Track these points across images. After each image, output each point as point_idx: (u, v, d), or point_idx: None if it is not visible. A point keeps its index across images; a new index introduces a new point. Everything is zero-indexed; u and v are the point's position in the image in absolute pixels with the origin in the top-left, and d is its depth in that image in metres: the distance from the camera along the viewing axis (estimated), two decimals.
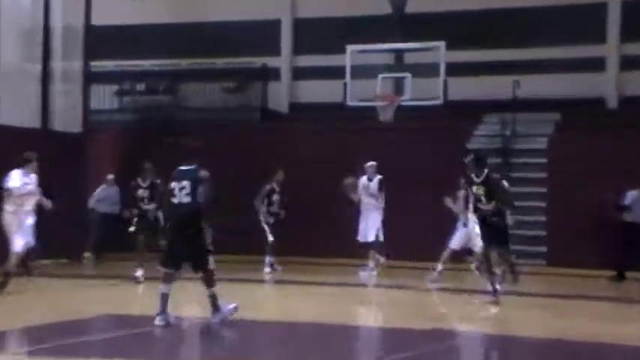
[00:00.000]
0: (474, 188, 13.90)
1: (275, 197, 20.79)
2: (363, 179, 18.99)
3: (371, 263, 18.80)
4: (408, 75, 23.28)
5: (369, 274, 18.89)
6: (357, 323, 13.91)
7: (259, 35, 28.13)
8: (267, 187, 20.68)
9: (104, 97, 28.38)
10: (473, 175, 14.03)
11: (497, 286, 14.24)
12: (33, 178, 14.77)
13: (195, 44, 28.31)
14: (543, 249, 21.42)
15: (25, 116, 24.55)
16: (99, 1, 26.20)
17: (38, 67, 24.95)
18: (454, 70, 22.99)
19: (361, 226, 18.96)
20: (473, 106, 24.88)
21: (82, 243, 23.28)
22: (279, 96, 28.45)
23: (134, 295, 17.48)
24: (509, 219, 16.00)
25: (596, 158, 21.28)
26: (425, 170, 22.93)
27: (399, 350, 10.46)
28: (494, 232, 14.30)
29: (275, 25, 28.60)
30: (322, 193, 22.80)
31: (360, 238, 18.89)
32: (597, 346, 10.75)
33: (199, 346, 12.11)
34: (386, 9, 26.43)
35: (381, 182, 19.01)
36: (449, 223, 18.55)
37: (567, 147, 22.32)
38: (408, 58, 25.21)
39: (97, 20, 26.21)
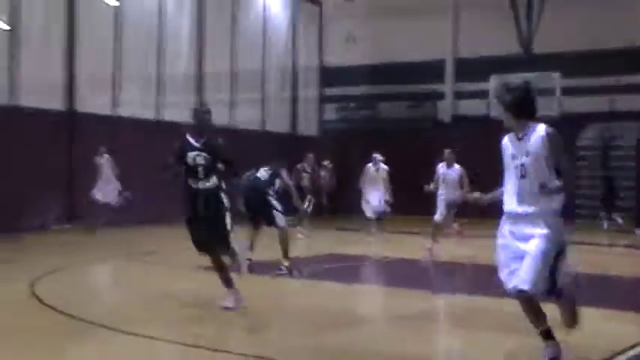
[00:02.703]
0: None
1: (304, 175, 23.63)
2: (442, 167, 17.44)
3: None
4: None
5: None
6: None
7: (431, 70, 32.97)
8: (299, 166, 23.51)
9: (331, 112, 34.47)
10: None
11: None
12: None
13: (389, 77, 33.18)
14: None
15: (283, 125, 31.30)
16: (328, 48, 32.93)
17: (288, 94, 31.99)
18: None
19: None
20: None
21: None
22: (445, 111, 33.54)
23: (349, 241, 21.30)
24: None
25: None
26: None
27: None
28: None
29: (441, 62, 33.61)
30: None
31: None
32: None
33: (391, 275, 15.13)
34: (517, 49, 30.79)
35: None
36: None
37: None
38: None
39: (326, 62, 33.28)
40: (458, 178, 17.30)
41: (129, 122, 24.63)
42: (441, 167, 17.33)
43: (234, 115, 29.51)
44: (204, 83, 28.45)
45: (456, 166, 17.34)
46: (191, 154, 9.15)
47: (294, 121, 32.56)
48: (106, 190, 22.04)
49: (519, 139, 6.56)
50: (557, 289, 6.71)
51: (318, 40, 33.69)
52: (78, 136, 23.42)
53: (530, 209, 6.40)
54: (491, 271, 7.23)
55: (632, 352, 7.95)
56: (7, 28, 22.11)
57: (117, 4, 25.07)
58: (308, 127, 33.16)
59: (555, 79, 28.85)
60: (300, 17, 32.94)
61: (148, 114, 26.28)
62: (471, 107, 31.99)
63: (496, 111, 25.03)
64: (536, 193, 6.40)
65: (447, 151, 17.48)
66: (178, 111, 24.84)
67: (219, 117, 25.10)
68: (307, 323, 9.33)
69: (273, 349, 7.89)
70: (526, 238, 6.52)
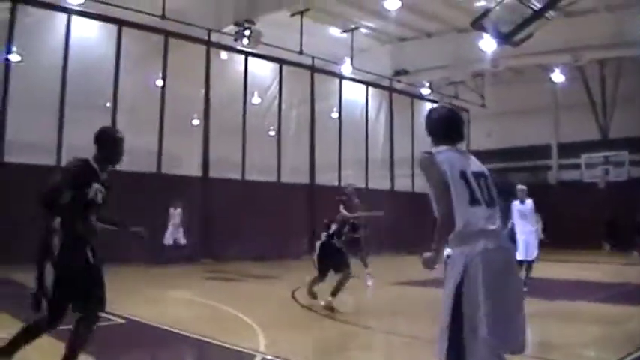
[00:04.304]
0: None
1: None
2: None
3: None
4: None
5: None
6: None
7: (542, 150, 31.46)
8: None
9: None
10: None
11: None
12: None
13: (514, 156, 31.45)
14: None
15: None
16: (472, 139, 28.18)
17: None
18: None
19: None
20: None
21: None
22: (552, 177, 31.70)
23: None
24: None
25: None
26: None
27: None
28: None
29: (549, 145, 31.88)
30: None
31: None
32: None
33: None
34: (598, 135, 30.22)
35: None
36: None
37: None
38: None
39: (472, 147, 28.19)
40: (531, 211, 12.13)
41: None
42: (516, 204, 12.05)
43: (415, 182, 28.07)
44: (394, 162, 28.38)
45: (528, 201, 12.11)
46: (95, 186, 4.72)
47: None
48: (175, 233, 19.12)
49: None
50: None
51: (467, 134, 32.51)
52: (317, 201, 23.55)
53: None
54: None
55: None
56: (273, 133, 24.10)
57: (337, 115, 26.55)
58: None
59: (624, 155, 29.54)
60: None
61: (360, 184, 26.42)
62: (570, 175, 31.56)
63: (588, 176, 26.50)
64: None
65: (519, 187, 12.01)
66: (379, 181, 26.84)
67: (404, 185, 27.42)
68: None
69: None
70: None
